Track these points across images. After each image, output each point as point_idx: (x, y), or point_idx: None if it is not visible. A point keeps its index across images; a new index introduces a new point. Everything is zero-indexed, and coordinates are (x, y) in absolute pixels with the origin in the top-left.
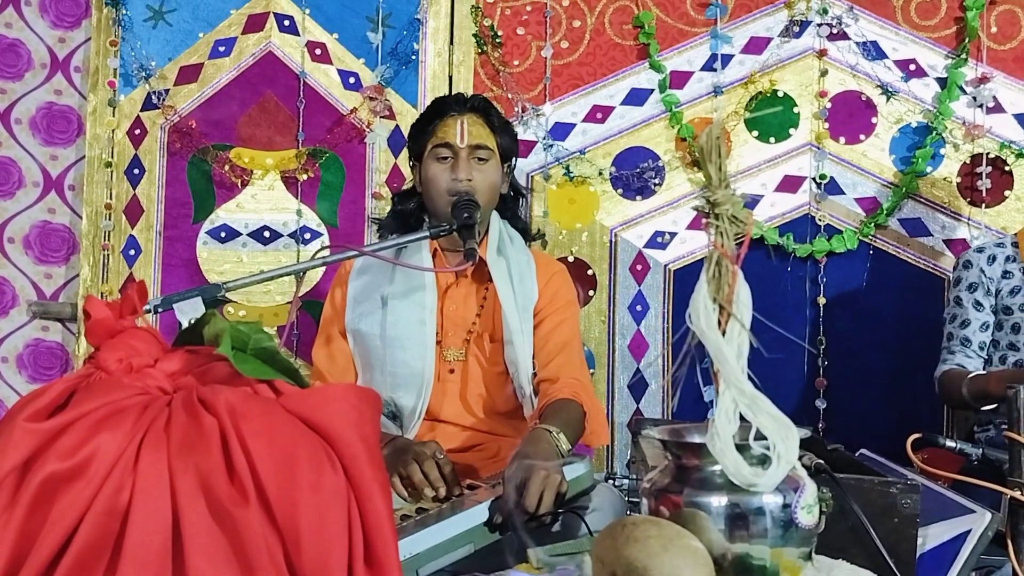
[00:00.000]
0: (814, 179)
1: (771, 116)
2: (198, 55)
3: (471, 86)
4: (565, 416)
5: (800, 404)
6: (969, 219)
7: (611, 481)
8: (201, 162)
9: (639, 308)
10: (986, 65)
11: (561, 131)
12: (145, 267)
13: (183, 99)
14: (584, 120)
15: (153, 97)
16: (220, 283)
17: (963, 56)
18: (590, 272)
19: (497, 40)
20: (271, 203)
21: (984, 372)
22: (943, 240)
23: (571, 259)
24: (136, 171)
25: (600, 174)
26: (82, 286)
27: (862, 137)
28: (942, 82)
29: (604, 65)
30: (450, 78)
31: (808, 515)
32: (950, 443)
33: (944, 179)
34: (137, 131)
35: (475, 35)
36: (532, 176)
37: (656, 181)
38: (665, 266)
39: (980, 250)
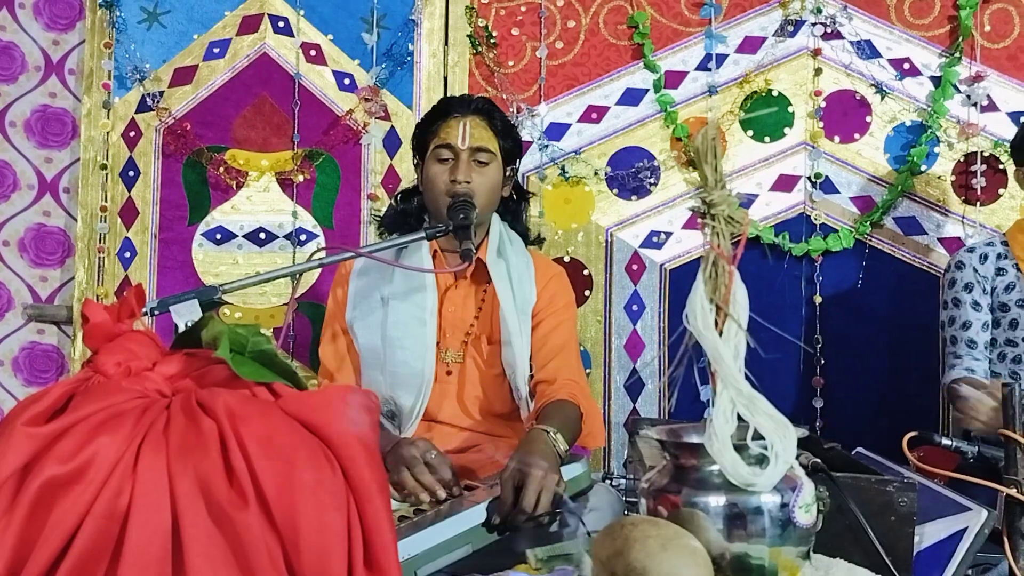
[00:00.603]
0: (809, 178)
1: (766, 115)
2: (192, 57)
3: (466, 87)
4: (563, 417)
5: (797, 403)
6: (963, 217)
7: (608, 481)
8: (196, 164)
9: (635, 308)
10: (980, 64)
11: (556, 131)
12: (140, 269)
13: (178, 101)
14: (579, 120)
15: (148, 99)
16: (216, 285)
17: (957, 55)
18: (586, 272)
19: (492, 41)
20: (267, 205)
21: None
22: (938, 238)
23: (567, 259)
24: (131, 173)
25: (595, 174)
26: (77, 289)
27: (857, 136)
28: (936, 81)
29: (599, 65)
30: (445, 79)
31: (806, 514)
32: (946, 441)
33: (938, 177)
34: (132, 133)
35: (470, 36)
36: (528, 176)
37: (651, 181)
38: (661, 266)
39: (971, 250)
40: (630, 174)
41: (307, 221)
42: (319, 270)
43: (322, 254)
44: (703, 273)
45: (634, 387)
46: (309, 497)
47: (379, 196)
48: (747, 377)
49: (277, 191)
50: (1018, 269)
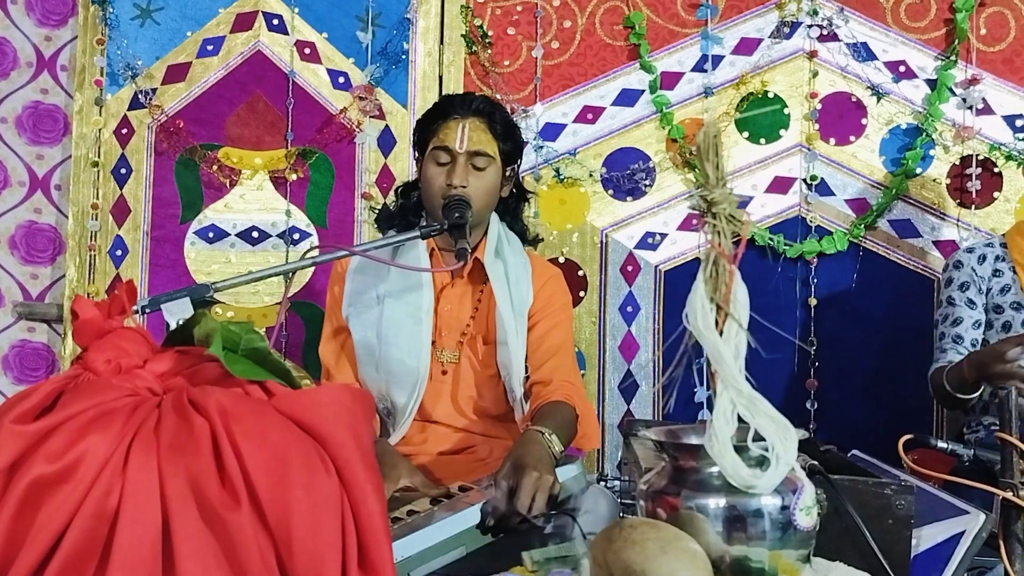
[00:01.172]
0: (804, 180)
1: (761, 117)
2: (186, 54)
3: (461, 86)
4: (558, 418)
5: (791, 405)
6: (958, 220)
7: (603, 483)
8: (189, 162)
9: (630, 309)
10: (976, 67)
11: (552, 132)
12: (132, 268)
13: (171, 98)
14: (575, 121)
15: (140, 96)
16: (209, 283)
17: (953, 58)
18: (581, 273)
19: (487, 40)
20: (260, 203)
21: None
22: (932, 241)
23: (562, 260)
24: (123, 171)
25: (591, 175)
26: (68, 287)
27: (852, 138)
28: (932, 84)
29: (595, 66)
30: (440, 78)
31: (807, 517)
32: (941, 444)
33: (934, 180)
34: (124, 130)
35: (465, 35)
36: (523, 177)
37: (647, 182)
38: (656, 267)
39: (970, 250)
40: (625, 175)
41: (300, 220)
42: (312, 269)
43: (315, 253)
44: (703, 272)
45: (628, 389)
46: (302, 497)
47: (373, 195)
48: (747, 378)
49: (270, 189)
50: (1015, 272)
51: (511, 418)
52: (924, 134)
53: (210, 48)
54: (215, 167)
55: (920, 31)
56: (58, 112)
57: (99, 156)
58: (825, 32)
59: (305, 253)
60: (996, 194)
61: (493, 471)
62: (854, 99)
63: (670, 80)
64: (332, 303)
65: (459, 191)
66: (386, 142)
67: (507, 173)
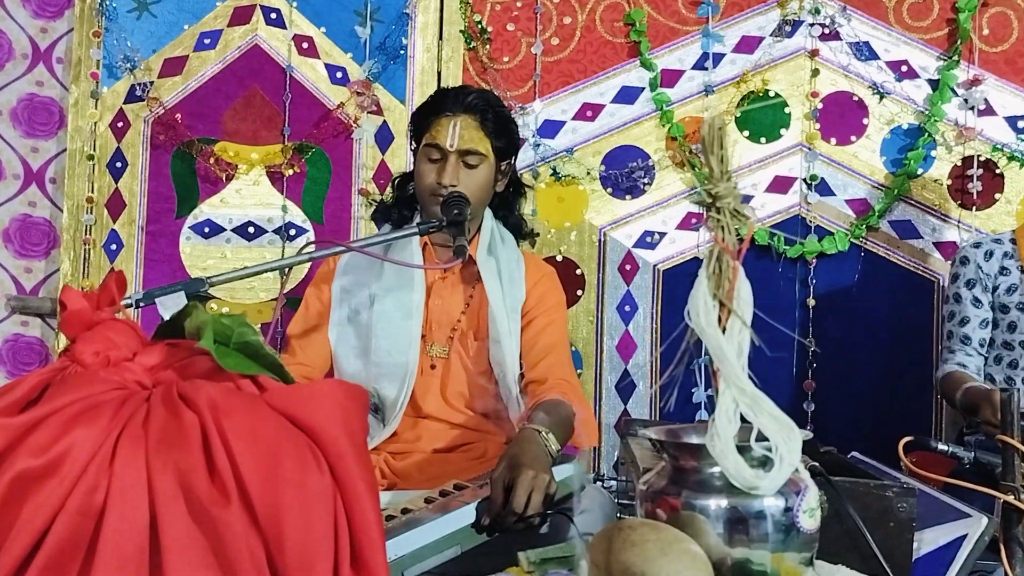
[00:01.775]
0: (805, 180)
1: (762, 116)
2: (183, 47)
3: (459, 82)
4: (555, 417)
5: (788, 406)
6: (959, 221)
7: (599, 483)
8: (185, 156)
9: (627, 308)
10: (978, 67)
11: (550, 129)
12: (127, 262)
13: (167, 92)
14: (574, 118)
15: (137, 89)
16: (204, 278)
17: (955, 58)
18: (578, 272)
19: (486, 36)
20: (256, 198)
21: (980, 386)
22: (933, 243)
23: (559, 258)
24: (119, 164)
25: (589, 173)
26: (62, 281)
27: (853, 138)
28: (934, 84)
29: (595, 63)
30: (439, 74)
31: (810, 519)
32: (942, 446)
33: (935, 181)
34: (120, 124)
35: (464, 31)
36: (521, 174)
37: (646, 180)
38: (654, 266)
39: (977, 245)
40: (624, 173)
41: (297, 215)
42: (308, 265)
43: (312, 248)
44: (706, 268)
45: (625, 388)
46: (294, 495)
47: (370, 191)
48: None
49: (267, 184)
50: (1022, 272)
51: (504, 415)
52: (926, 134)
53: (207, 42)
54: (211, 161)
55: (922, 31)
56: (53, 105)
57: (95, 149)
58: (827, 31)
59: (301, 248)
60: (997, 195)
61: (489, 469)
62: (855, 99)
63: (670, 78)
64: (314, 300)
65: (450, 190)
66: (384, 138)
67: (502, 168)
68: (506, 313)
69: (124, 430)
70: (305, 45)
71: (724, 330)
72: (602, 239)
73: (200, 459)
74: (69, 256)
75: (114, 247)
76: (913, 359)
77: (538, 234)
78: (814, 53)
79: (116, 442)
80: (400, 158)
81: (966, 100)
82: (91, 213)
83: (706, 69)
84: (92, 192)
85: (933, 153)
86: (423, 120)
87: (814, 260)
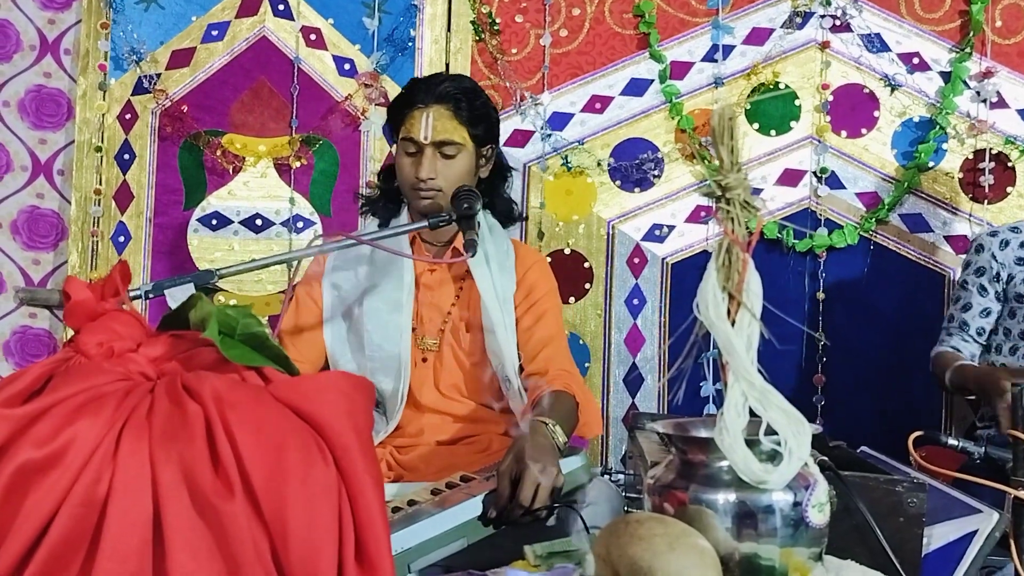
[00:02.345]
0: (815, 173)
1: (772, 108)
2: (191, 39)
3: (468, 74)
4: (560, 408)
5: (797, 400)
6: (971, 215)
7: (607, 476)
8: (193, 148)
9: (636, 302)
10: (990, 59)
11: (559, 121)
12: (135, 254)
13: (175, 83)
14: (583, 110)
15: (144, 81)
16: (213, 270)
17: (967, 50)
18: (587, 265)
19: (495, 28)
20: (263, 190)
21: (969, 363)
22: (944, 236)
23: (567, 251)
24: (126, 156)
25: (598, 165)
26: (70, 272)
27: (864, 131)
28: (946, 76)
29: (604, 54)
30: (447, 66)
31: (819, 514)
32: (952, 441)
33: (946, 174)
34: (128, 115)
35: (473, 22)
36: (529, 167)
37: (655, 173)
38: (663, 259)
39: (993, 234)
40: (633, 166)
41: (304, 208)
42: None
43: (320, 241)
44: (716, 260)
45: (633, 382)
46: (299, 487)
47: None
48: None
49: (274, 177)
50: None
51: (504, 407)
52: (937, 127)
53: (215, 33)
54: (219, 153)
55: (935, 22)
56: (61, 96)
57: (102, 141)
58: (838, 22)
59: (311, 241)
60: (1009, 189)
61: (495, 462)
62: (866, 91)
63: (680, 70)
64: (304, 297)
65: (428, 184)
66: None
67: (484, 153)
68: (499, 303)
69: (128, 421)
70: (313, 37)
71: (733, 323)
72: (610, 232)
73: (204, 451)
74: (77, 248)
75: (122, 239)
76: (923, 353)
77: (526, 217)
78: (825, 45)
79: (120, 434)
80: None
81: (978, 92)
82: (99, 205)
83: (716, 61)
84: (100, 184)
85: (944, 146)
86: (398, 113)
87: (824, 253)
